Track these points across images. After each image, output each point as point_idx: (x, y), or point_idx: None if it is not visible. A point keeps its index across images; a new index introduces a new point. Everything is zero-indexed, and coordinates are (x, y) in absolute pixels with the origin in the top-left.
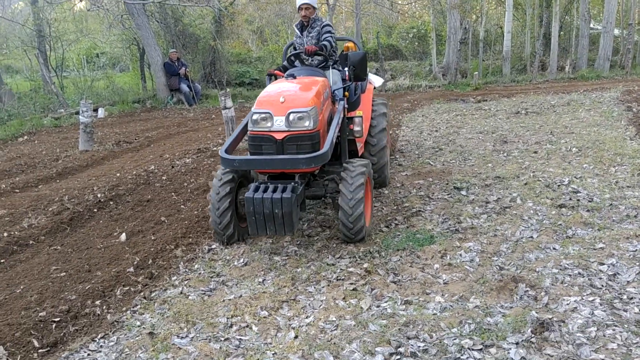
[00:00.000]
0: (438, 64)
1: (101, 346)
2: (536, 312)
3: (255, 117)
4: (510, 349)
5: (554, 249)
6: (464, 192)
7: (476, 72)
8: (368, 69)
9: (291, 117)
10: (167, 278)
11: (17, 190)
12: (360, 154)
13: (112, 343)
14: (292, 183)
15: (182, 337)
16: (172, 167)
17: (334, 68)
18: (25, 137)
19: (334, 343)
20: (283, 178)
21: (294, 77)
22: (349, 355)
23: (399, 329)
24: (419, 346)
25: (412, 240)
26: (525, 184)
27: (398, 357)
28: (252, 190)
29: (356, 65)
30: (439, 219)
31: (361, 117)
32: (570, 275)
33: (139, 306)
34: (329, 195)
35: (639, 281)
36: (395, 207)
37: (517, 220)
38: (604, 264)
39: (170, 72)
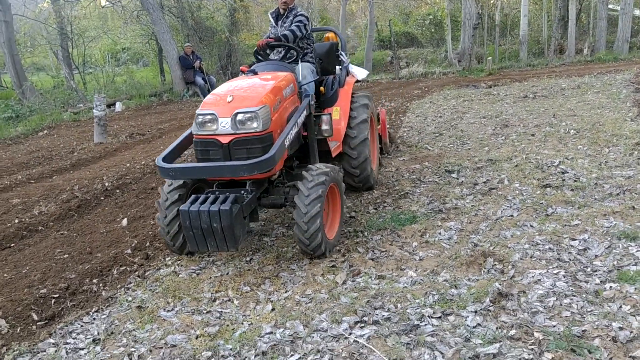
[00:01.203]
0: (453, 50)
1: (94, 319)
2: (499, 284)
3: (199, 119)
4: (468, 316)
5: (531, 226)
6: (454, 175)
7: (490, 58)
8: (346, 60)
9: (238, 117)
10: (162, 258)
11: (32, 181)
12: (335, 154)
13: (104, 316)
14: (241, 192)
15: (168, 311)
16: (180, 157)
17: (305, 61)
18: (45, 131)
19: (306, 314)
20: (235, 185)
21: (255, 73)
22: (317, 324)
23: (368, 300)
24: (383, 315)
25: (395, 221)
26: (516, 165)
27: (362, 325)
28: (189, 202)
29: (322, 57)
30: (426, 201)
31: (329, 115)
32: (540, 250)
33: (132, 284)
34: (289, 204)
35: (607, 255)
36: (386, 190)
37: (501, 200)
38: (575, 240)
39: (186, 66)
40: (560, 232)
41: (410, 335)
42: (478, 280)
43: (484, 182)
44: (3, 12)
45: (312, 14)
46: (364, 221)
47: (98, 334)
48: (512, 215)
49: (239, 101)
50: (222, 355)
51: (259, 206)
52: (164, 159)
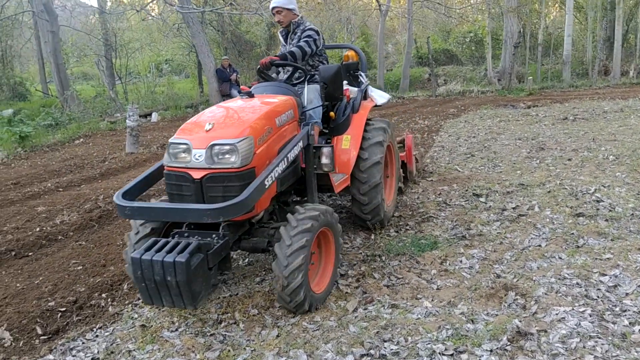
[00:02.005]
0: (493, 69)
1: (97, 336)
2: (519, 321)
3: (171, 148)
4: (482, 356)
5: (560, 258)
6: (482, 199)
7: (531, 77)
8: (382, 88)
9: (215, 149)
10: None
11: (60, 189)
12: (339, 189)
13: (107, 333)
14: (211, 236)
15: (171, 331)
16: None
17: (313, 82)
18: (82, 139)
19: (311, 343)
20: (207, 226)
21: (251, 96)
22: (322, 354)
23: (377, 331)
24: (392, 349)
25: (415, 246)
26: (549, 192)
27: (368, 358)
28: (144, 248)
29: (328, 82)
30: (450, 225)
31: (332, 147)
32: (567, 285)
33: (141, 300)
34: (272, 250)
35: (639, 293)
36: (410, 212)
37: (530, 228)
38: (605, 275)
39: (222, 78)
40: (590, 266)
41: None
42: (497, 315)
43: (513, 208)
44: (50, 23)
45: (352, 29)
46: (382, 245)
47: (98, 352)
48: (540, 245)
49: (218, 130)
50: None
51: (238, 250)
52: (125, 194)
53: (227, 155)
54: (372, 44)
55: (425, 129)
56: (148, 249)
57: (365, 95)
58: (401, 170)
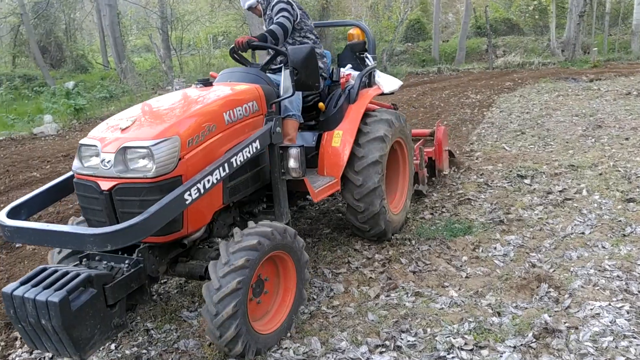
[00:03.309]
0: (557, 39)
1: None
2: (549, 316)
3: (81, 151)
4: (505, 352)
5: (603, 247)
6: (527, 181)
7: (596, 48)
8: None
9: (127, 154)
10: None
11: None
12: (320, 198)
13: (127, 309)
14: (122, 262)
15: (191, 311)
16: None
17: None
18: None
19: (327, 330)
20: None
21: (208, 84)
22: (336, 343)
23: (396, 321)
24: (408, 340)
25: (448, 230)
26: (600, 174)
27: (383, 349)
28: (21, 280)
29: (298, 67)
30: (488, 209)
31: (300, 148)
32: (606, 277)
33: (166, 278)
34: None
35: None
36: (448, 194)
37: (574, 213)
38: None
39: None
40: (634, 257)
41: None
42: (526, 308)
43: (559, 192)
44: None
45: None
46: (414, 228)
47: None
48: (583, 233)
49: (134, 129)
50: None
51: (172, 275)
52: (16, 210)
53: (140, 162)
54: (431, 13)
55: (476, 104)
56: (26, 281)
57: (370, 82)
58: (425, 170)
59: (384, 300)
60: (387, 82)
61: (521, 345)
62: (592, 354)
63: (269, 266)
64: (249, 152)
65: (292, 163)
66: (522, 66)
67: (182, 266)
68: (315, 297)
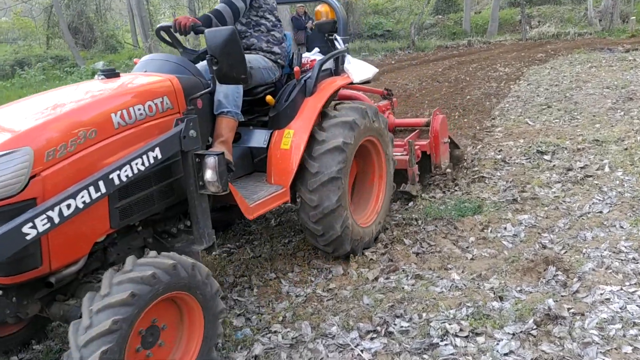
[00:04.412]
0: (595, 8)
1: None
2: (554, 301)
3: None
4: (502, 340)
5: (621, 227)
6: (547, 157)
7: (634, 17)
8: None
9: None
10: None
11: None
12: (255, 214)
13: None
14: None
15: None
16: None
17: (263, 51)
18: None
19: (319, 314)
20: None
21: (112, 76)
22: (327, 328)
23: (392, 305)
24: (402, 326)
25: (457, 209)
26: (625, 149)
27: (374, 335)
28: None
29: (217, 54)
30: (502, 187)
31: (219, 155)
32: (621, 260)
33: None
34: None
35: None
36: (464, 171)
37: (594, 191)
38: None
39: (297, 27)
40: None
41: (424, 356)
42: (531, 292)
43: (580, 168)
44: None
45: None
46: (422, 207)
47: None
48: (601, 212)
49: None
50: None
51: (49, 317)
52: None
53: None
54: None
55: (503, 77)
56: None
57: (337, 69)
58: (416, 167)
59: (382, 283)
60: (358, 70)
61: (520, 332)
62: (597, 343)
63: (169, 311)
64: (143, 164)
65: (208, 175)
66: (556, 37)
67: (57, 307)
68: (312, 279)
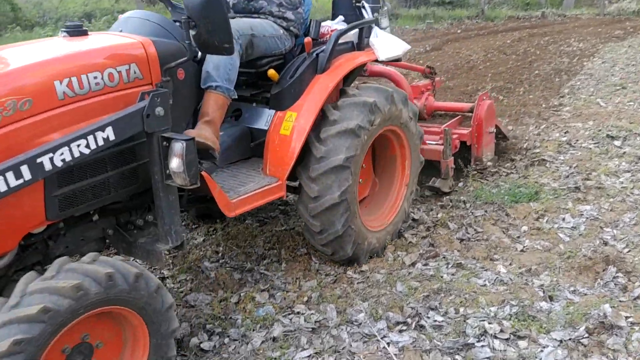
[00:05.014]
0: None
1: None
2: (611, 306)
3: None
4: (547, 346)
5: None
6: (617, 143)
7: None
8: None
9: None
10: None
11: None
12: (236, 212)
13: None
14: None
15: (211, 262)
16: None
17: (274, 16)
18: None
19: (347, 297)
20: None
21: (78, 33)
22: (353, 314)
23: (427, 295)
24: (435, 320)
25: (511, 194)
26: None
27: (403, 327)
28: None
29: (194, 16)
30: (565, 172)
31: (188, 142)
32: None
33: (201, 224)
34: None
35: None
36: (523, 153)
37: None
38: None
39: None
40: None
41: (456, 356)
42: (586, 294)
43: None
44: None
45: None
46: (472, 189)
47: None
48: None
49: None
50: (227, 335)
51: None
52: None
53: None
54: None
55: (576, 53)
56: None
57: (360, 43)
58: (451, 159)
59: (420, 269)
60: (386, 46)
61: (569, 339)
62: None
63: (107, 326)
64: (88, 147)
65: (174, 164)
66: (637, 14)
67: None
68: None
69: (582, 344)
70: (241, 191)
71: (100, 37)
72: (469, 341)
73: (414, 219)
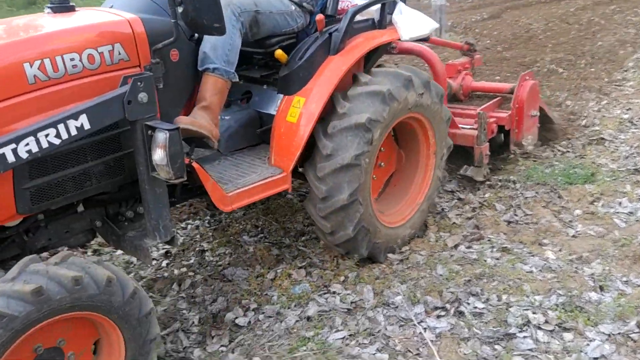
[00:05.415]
0: None
1: (183, 228)
2: None
3: None
4: (594, 340)
5: None
6: None
7: None
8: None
9: None
10: None
11: None
12: (233, 206)
13: (192, 226)
14: None
15: (251, 236)
16: None
17: None
18: None
19: (385, 279)
20: None
21: (64, 9)
22: (390, 297)
23: (468, 280)
24: (475, 307)
25: (565, 175)
26: None
27: (441, 313)
28: None
29: None
30: (625, 153)
31: (168, 131)
32: None
33: None
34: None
35: None
36: (581, 133)
37: None
38: None
39: None
40: None
41: (496, 346)
42: (639, 286)
43: None
44: None
45: None
46: (523, 168)
47: (174, 245)
48: None
49: None
50: (262, 311)
51: None
52: None
53: None
54: None
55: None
56: None
57: (381, 21)
58: (486, 145)
59: (462, 252)
60: (411, 24)
61: (618, 333)
62: None
63: (82, 330)
64: (59, 136)
65: (157, 156)
66: None
67: None
68: None
69: (632, 339)
70: (240, 183)
71: (85, 14)
72: (510, 331)
73: (459, 198)
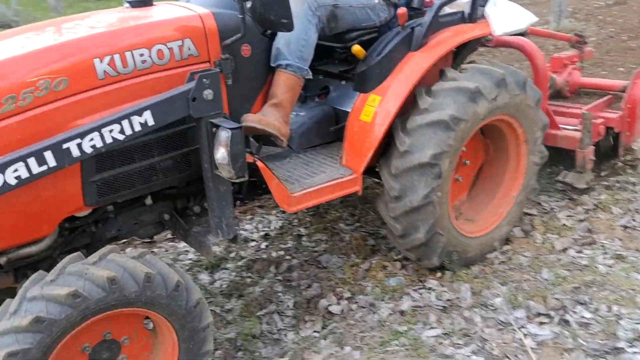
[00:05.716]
0: None
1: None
2: None
3: None
4: None
5: None
6: None
7: None
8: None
9: None
10: None
11: None
12: (298, 207)
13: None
14: None
15: (347, 224)
16: None
17: None
18: None
19: (485, 279)
20: None
21: (141, 4)
22: (490, 297)
23: (576, 287)
24: (582, 317)
25: None
26: None
27: (545, 320)
28: None
29: None
30: None
31: (231, 130)
32: None
33: None
34: None
35: None
36: None
37: None
38: None
39: None
40: None
41: None
42: None
43: None
44: None
45: None
46: None
47: (272, 228)
48: None
49: None
50: (355, 301)
51: None
52: None
53: None
54: None
55: None
56: None
57: (472, 14)
58: (591, 149)
59: (571, 257)
60: (506, 18)
61: None
62: None
63: (130, 320)
64: (123, 132)
65: (219, 155)
66: None
67: None
68: None
69: None
70: (307, 183)
71: (160, 10)
72: (619, 345)
73: (571, 199)
